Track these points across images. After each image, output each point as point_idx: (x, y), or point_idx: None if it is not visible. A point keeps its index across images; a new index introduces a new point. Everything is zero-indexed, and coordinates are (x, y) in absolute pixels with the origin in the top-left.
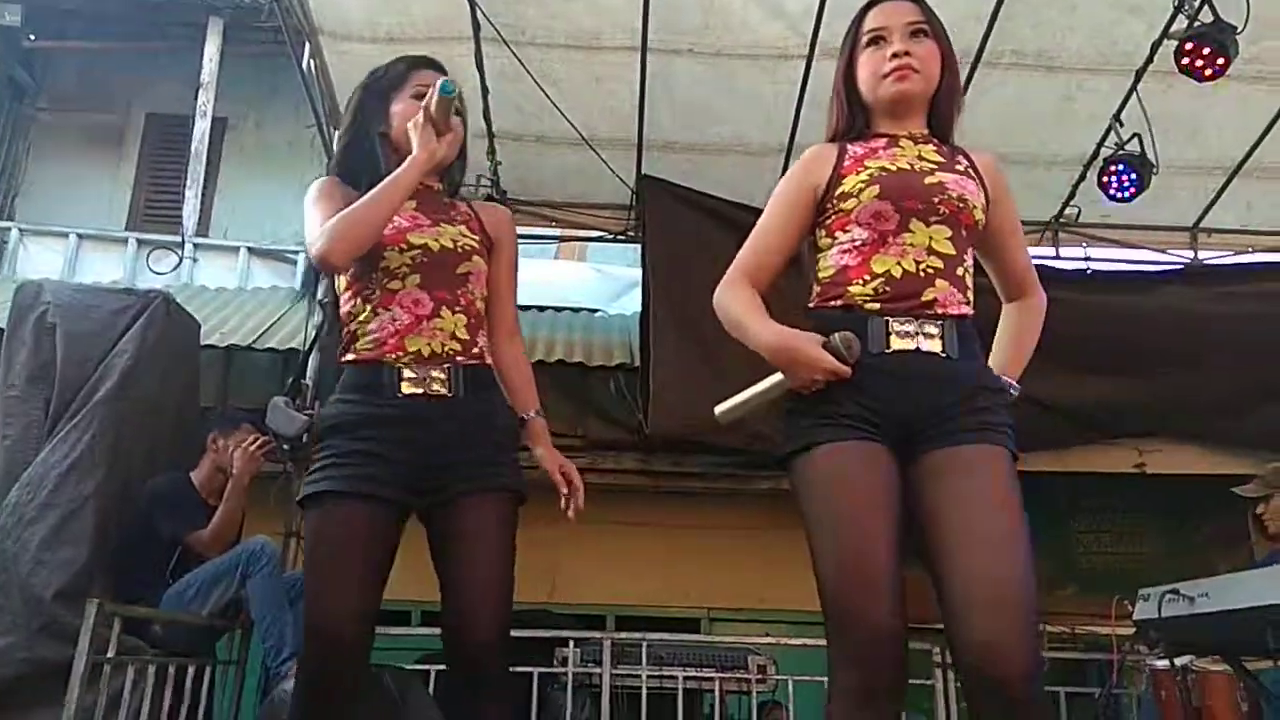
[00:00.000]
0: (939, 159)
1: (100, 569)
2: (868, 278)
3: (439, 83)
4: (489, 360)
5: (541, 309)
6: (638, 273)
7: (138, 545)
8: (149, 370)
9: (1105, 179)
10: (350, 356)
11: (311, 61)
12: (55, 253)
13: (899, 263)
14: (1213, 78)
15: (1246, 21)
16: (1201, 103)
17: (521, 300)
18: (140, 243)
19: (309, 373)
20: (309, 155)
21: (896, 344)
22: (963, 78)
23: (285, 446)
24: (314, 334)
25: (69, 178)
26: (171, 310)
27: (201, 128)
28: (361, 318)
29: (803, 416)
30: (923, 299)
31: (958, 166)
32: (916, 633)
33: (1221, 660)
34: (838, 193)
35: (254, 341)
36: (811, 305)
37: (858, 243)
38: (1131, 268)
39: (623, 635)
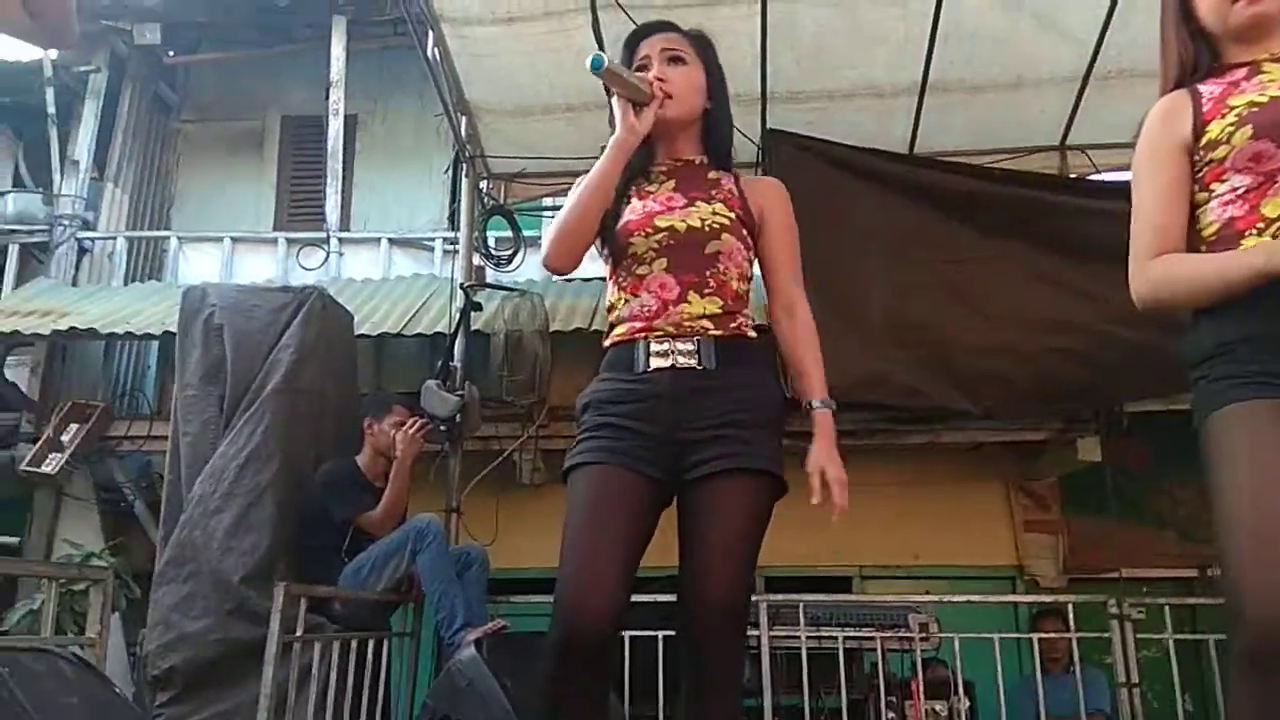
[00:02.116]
0: None
1: (281, 552)
2: (1261, 225)
3: (588, 62)
4: (751, 334)
5: None
6: None
7: (313, 529)
8: (311, 362)
9: None
10: (607, 342)
11: (435, 50)
12: (211, 257)
13: None
14: None
15: None
16: None
17: None
18: (289, 241)
19: (456, 355)
20: (435, 142)
21: None
22: None
23: (441, 427)
24: (458, 317)
25: (217, 184)
26: (326, 304)
27: (335, 126)
28: (618, 307)
29: (1211, 380)
30: None
31: None
32: (1092, 583)
33: None
34: (1204, 142)
35: (403, 328)
36: None
37: (1240, 190)
38: None
39: (779, 597)
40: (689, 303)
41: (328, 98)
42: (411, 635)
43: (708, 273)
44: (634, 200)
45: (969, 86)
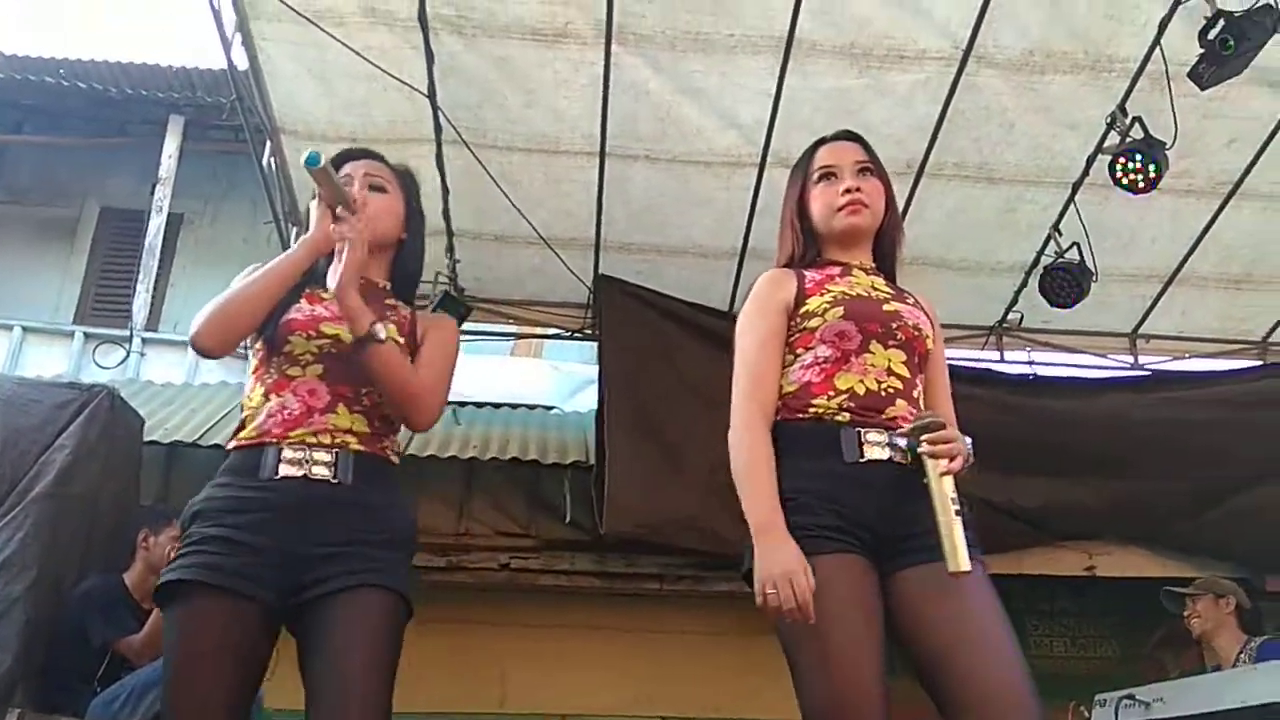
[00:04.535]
0: (890, 291)
1: (25, 676)
2: (832, 393)
3: (303, 158)
4: (394, 459)
5: (497, 406)
6: (594, 370)
7: (66, 650)
8: (88, 467)
9: (1046, 286)
10: (232, 444)
11: (272, 160)
12: None
13: (862, 380)
14: (1146, 190)
15: (1175, 138)
16: (1136, 214)
17: (477, 397)
18: (87, 336)
19: None
20: (265, 251)
21: (870, 454)
22: (908, 187)
23: None
24: None
25: (18, 270)
26: (115, 405)
27: (157, 223)
28: (253, 404)
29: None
30: (885, 415)
31: (907, 300)
32: None
33: None
34: (802, 311)
35: (199, 438)
36: (778, 418)
37: (821, 359)
38: (1074, 373)
39: None
40: (336, 414)
41: (153, 194)
42: None
43: (363, 390)
44: (304, 302)
45: None
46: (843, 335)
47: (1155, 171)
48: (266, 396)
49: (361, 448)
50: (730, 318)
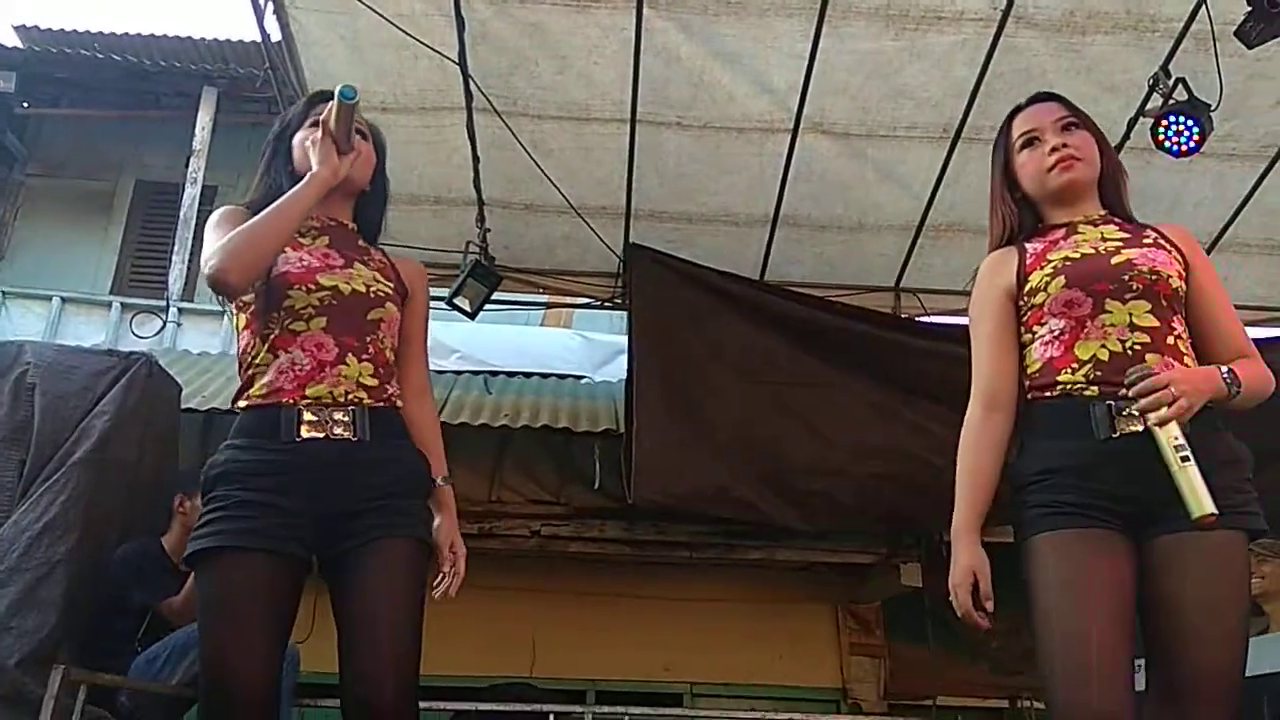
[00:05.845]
0: (1123, 235)
1: (68, 636)
2: (1075, 365)
3: (338, 89)
4: (399, 403)
5: (528, 375)
6: (623, 340)
7: (107, 612)
8: (128, 432)
9: None
10: (244, 403)
11: None
12: (38, 316)
13: (1103, 345)
14: (1189, 153)
15: (1220, 100)
16: (1178, 178)
17: (507, 367)
18: (124, 307)
19: None
20: None
21: (1123, 427)
22: (944, 153)
23: None
24: None
25: (56, 243)
26: (153, 372)
27: (191, 194)
28: (259, 360)
29: (1029, 506)
30: None
31: (1145, 240)
32: (912, 709)
33: None
34: (1026, 290)
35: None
36: (1028, 397)
37: (1056, 332)
38: None
39: (605, 709)
40: (346, 365)
41: (187, 166)
42: None
43: (368, 339)
44: (289, 251)
45: (816, 224)
46: (1071, 303)
47: (1199, 134)
48: (274, 352)
49: (372, 402)
50: (761, 286)
